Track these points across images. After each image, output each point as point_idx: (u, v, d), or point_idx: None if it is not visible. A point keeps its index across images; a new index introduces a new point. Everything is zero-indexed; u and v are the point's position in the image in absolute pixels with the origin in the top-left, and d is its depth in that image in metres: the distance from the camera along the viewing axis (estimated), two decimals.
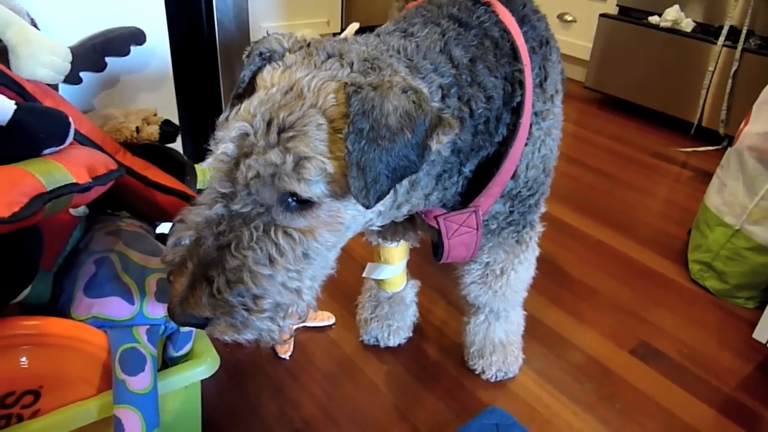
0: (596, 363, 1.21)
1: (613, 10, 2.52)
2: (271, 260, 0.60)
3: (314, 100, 0.59)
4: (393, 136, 0.58)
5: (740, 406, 1.13)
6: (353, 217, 0.64)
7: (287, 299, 0.62)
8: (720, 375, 1.20)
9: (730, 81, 2.13)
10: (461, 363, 1.18)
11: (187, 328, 0.74)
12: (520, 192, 0.87)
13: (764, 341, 1.09)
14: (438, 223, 0.84)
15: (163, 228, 0.92)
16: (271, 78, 0.64)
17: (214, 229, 0.59)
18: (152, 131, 0.88)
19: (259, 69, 0.67)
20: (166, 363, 0.78)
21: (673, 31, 2.28)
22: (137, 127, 0.88)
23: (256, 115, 0.59)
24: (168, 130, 0.91)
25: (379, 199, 0.60)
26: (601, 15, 2.49)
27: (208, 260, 0.59)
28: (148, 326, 0.69)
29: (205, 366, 0.77)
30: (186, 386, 0.78)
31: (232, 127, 0.60)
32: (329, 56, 0.64)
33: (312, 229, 0.62)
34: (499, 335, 1.14)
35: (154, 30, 1.02)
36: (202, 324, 0.59)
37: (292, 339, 1.18)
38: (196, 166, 1.05)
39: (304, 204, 0.60)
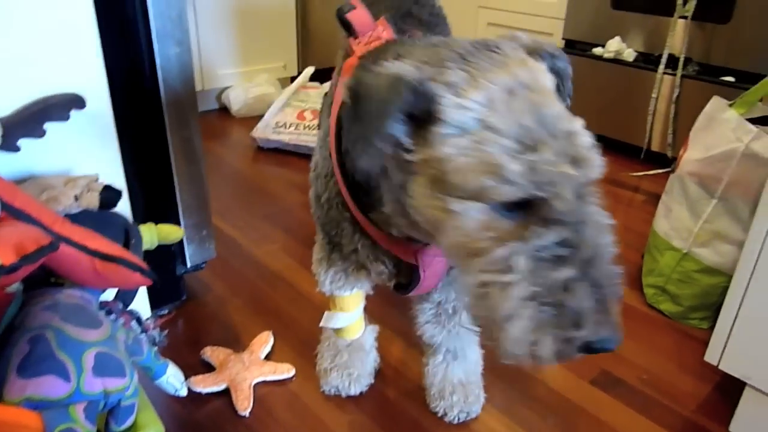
0: (559, 396, 1.21)
1: (560, 43, 2.61)
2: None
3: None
4: None
5: (700, 429, 1.15)
6: None
7: None
8: (679, 399, 1.22)
9: (673, 106, 2.21)
10: (424, 406, 1.17)
11: (129, 402, 0.72)
12: None
13: (715, 363, 1.11)
14: (416, 258, 0.85)
15: (108, 295, 0.90)
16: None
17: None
18: (92, 199, 0.88)
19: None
20: None
21: (617, 61, 2.37)
22: (76, 195, 0.87)
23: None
24: (108, 196, 0.91)
25: None
26: None
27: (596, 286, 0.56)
28: (86, 403, 0.67)
29: None
30: None
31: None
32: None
33: None
34: (458, 375, 1.14)
35: (95, 93, 1.02)
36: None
37: (252, 394, 1.16)
38: (142, 227, 1.04)
39: None
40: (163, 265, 1.36)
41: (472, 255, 0.59)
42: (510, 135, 0.56)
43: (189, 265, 1.40)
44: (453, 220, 0.60)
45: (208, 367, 1.24)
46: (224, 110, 2.75)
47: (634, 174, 2.27)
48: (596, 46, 2.46)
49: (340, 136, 0.80)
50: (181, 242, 1.37)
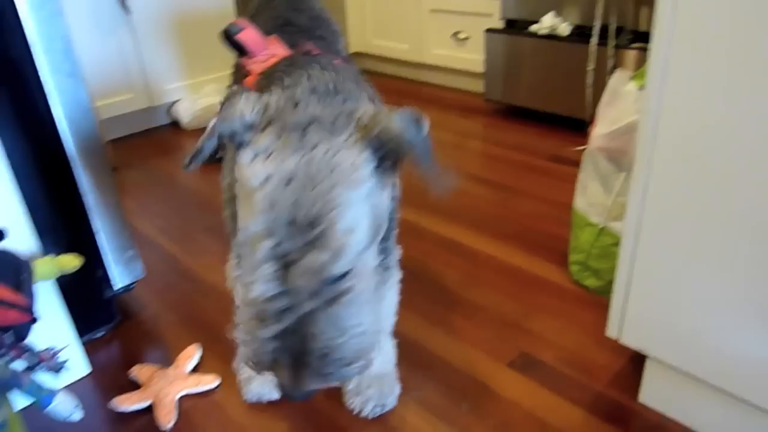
0: (474, 381, 1.24)
1: (500, 24, 2.61)
2: (343, 329, 0.70)
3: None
4: None
5: (611, 402, 1.17)
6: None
7: (364, 343, 0.73)
8: (594, 373, 1.25)
9: (608, 77, 2.21)
10: (342, 404, 1.20)
11: None
12: None
13: (616, 337, 1.14)
14: None
15: None
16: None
17: (289, 333, 0.67)
18: None
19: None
20: None
21: (553, 36, 2.37)
22: None
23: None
24: None
25: None
26: (487, 30, 2.57)
27: (299, 352, 0.68)
28: None
29: None
30: None
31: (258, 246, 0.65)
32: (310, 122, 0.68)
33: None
34: (374, 368, 1.17)
35: None
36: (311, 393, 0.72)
37: (175, 408, 1.20)
38: (39, 261, 1.07)
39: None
40: (91, 290, 1.40)
41: None
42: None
43: (117, 287, 1.43)
44: None
45: (137, 386, 1.28)
46: (176, 124, 2.78)
47: (577, 148, 2.27)
48: (534, 23, 2.45)
49: None
50: (104, 266, 1.40)
